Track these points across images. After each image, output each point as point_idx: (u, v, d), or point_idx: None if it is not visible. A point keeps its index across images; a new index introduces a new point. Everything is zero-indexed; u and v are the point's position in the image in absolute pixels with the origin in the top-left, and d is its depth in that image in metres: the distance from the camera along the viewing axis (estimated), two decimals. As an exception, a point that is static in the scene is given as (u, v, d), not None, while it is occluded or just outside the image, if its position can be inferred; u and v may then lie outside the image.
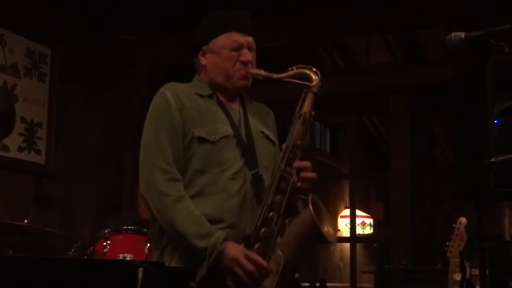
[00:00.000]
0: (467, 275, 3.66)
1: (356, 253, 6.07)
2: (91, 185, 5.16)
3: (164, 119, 2.36)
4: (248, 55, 2.44)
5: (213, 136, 2.34)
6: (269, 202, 2.25)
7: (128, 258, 3.11)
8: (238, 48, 2.44)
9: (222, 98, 2.47)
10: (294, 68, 2.38)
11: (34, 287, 1.98)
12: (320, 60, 6.80)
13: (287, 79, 2.37)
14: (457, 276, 3.28)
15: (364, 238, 10.05)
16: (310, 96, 2.33)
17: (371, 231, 10.41)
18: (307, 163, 2.32)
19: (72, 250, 3.25)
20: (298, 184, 2.28)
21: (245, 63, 2.43)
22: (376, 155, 10.18)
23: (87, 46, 5.19)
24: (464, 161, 3.70)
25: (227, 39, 2.45)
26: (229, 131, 2.38)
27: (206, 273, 2.20)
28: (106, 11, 5.31)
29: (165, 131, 2.34)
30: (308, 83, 2.34)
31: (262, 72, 2.42)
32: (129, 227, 3.46)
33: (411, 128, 5.43)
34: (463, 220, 3.39)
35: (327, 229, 2.21)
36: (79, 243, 3.29)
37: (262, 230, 2.24)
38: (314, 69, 2.36)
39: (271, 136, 2.54)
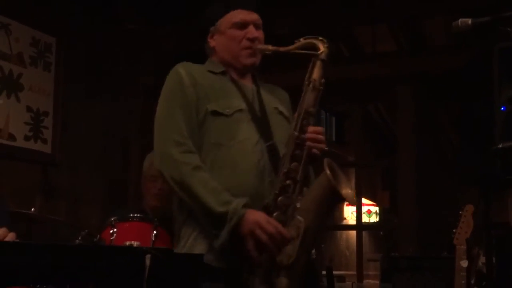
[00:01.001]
0: (480, 263, 3.67)
1: (362, 241, 6.08)
2: (97, 174, 5.17)
3: (177, 94, 2.37)
4: (254, 32, 2.44)
5: (227, 110, 2.34)
6: (285, 170, 2.25)
7: (135, 245, 3.14)
8: (244, 25, 2.45)
9: (234, 76, 2.48)
10: (301, 39, 2.38)
11: (41, 273, 1.99)
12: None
13: (295, 51, 2.36)
14: (464, 264, 3.28)
15: (370, 226, 10.06)
16: (318, 63, 2.34)
17: (377, 219, 10.42)
18: (320, 128, 2.33)
19: (79, 238, 3.26)
20: (313, 149, 2.28)
21: (251, 40, 2.43)
22: (381, 143, 10.16)
23: (92, 36, 5.19)
24: (470, 148, 3.70)
25: (232, 18, 2.45)
26: (243, 105, 2.38)
27: (227, 238, 2.18)
28: (111, 1, 5.31)
29: (179, 106, 2.35)
30: (315, 52, 2.34)
31: (269, 46, 2.42)
32: (136, 215, 3.46)
33: (417, 116, 5.42)
34: (470, 207, 3.39)
35: (345, 190, 2.21)
36: (86, 231, 3.30)
37: (280, 198, 2.23)
38: (321, 38, 2.37)
39: (286, 112, 2.53)
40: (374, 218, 10.33)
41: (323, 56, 2.33)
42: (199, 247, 2.28)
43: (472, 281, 3.43)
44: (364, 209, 9.81)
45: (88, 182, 5.08)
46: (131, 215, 3.47)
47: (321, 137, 2.31)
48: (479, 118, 3.54)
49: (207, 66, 2.51)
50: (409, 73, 5.38)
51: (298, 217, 2.19)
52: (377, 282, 4.43)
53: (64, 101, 4.88)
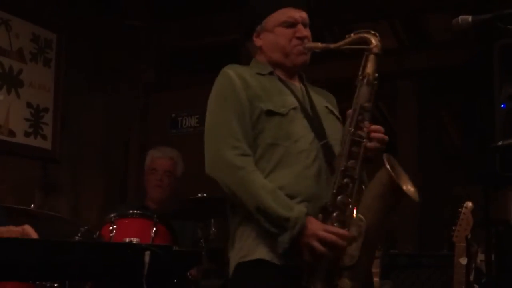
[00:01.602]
0: (478, 261, 3.66)
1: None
2: (97, 170, 5.17)
3: (229, 98, 2.32)
4: (303, 31, 2.39)
5: (282, 109, 2.29)
6: (343, 168, 2.19)
7: (134, 242, 3.14)
8: (293, 24, 2.39)
9: (282, 76, 2.43)
10: (352, 34, 2.32)
11: (41, 269, 1.99)
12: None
13: (346, 46, 2.32)
14: (463, 261, 3.27)
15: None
16: (371, 57, 2.29)
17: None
18: (378, 127, 2.26)
19: (79, 235, 3.26)
20: (370, 145, 2.22)
21: (301, 39, 2.38)
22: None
23: (93, 31, 5.18)
24: (471, 145, 3.70)
25: (281, 16, 2.39)
26: (296, 103, 2.34)
27: (288, 246, 2.14)
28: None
29: (232, 110, 2.29)
30: (368, 46, 2.29)
31: (319, 44, 2.38)
32: (135, 212, 3.46)
33: (418, 113, 5.41)
34: (469, 204, 3.38)
35: (406, 186, 2.15)
36: (86, 227, 3.31)
37: (339, 198, 2.17)
38: (373, 32, 2.32)
39: (336, 112, 2.48)
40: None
41: (376, 50, 2.29)
42: (261, 249, 2.23)
43: (471, 278, 3.43)
44: (365, 206, 9.79)
45: (88, 179, 5.08)
46: (131, 211, 3.47)
47: (378, 135, 2.24)
48: (480, 115, 3.54)
49: (254, 68, 2.45)
50: (410, 70, 5.37)
51: (359, 215, 2.14)
52: (377, 279, 4.42)
53: (64, 97, 4.88)
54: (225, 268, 4.35)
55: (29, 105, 4.62)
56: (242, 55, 5.24)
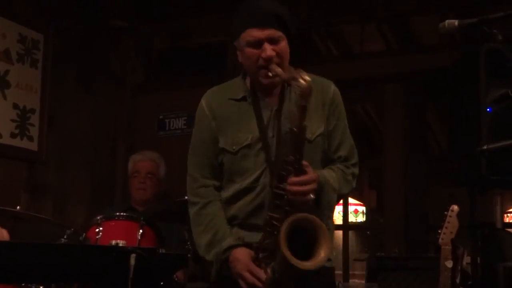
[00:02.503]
0: (464, 263, 3.67)
1: (349, 241, 6.08)
2: (84, 172, 5.15)
3: (199, 128, 2.52)
4: (267, 51, 2.32)
5: (234, 147, 2.42)
6: (267, 217, 2.30)
7: (120, 245, 3.12)
8: (258, 43, 2.34)
9: (260, 93, 2.44)
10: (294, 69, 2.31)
11: (27, 272, 1.98)
12: (314, 47, 6.78)
13: (288, 81, 2.28)
14: (449, 264, 3.29)
15: (356, 225, 10.07)
16: (299, 108, 2.20)
17: (364, 219, 10.43)
18: (302, 179, 2.24)
19: (65, 237, 3.25)
20: (294, 198, 2.25)
21: (266, 60, 2.33)
22: (369, 143, 10.17)
23: (80, 32, 5.16)
24: (458, 149, 3.72)
25: (246, 36, 2.36)
26: (250, 138, 2.39)
27: (216, 278, 2.43)
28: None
29: (200, 141, 2.51)
30: (299, 90, 2.20)
31: (279, 71, 2.30)
32: (122, 214, 3.45)
33: (405, 115, 5.42)
34: (455, 207, 3.40)
35: (318, 254, 2.19)
36: (72, 229, 3.30)
37: (266, 241, 2.31)
38: (302, 77, 2.19)
39: (308, 133, 2.33)
40: (361, 218, 10.34)
41: (303, 102, 2.18)
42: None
43: (457, 281, 3.44)
44: (351, 208, 9.80)
45: (75, 180, 5.06)
46: (117, 213, 3.47)
47: (305, 188, 2.24)
48: (466, 118, 3.55)
49: (230, 91, 2.50)
50: (397, 73, 5.38)
51: (268, 269, 2.28)
52: (363, 281, 4.43)
53: (51, 98, 4.85)
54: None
55: (15, 106, 4.60)
56: (229, 56, 5.25)
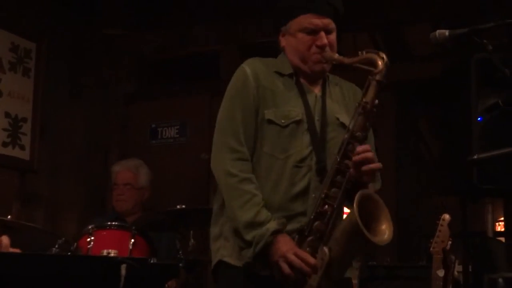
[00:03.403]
0: (456, 272, 3.68)
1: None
2: (76, 180, 5.14)
3: (241, 95, 2.35)
4: (324, 39, 2.36)
5: (283, 121, 2.31)
6: (323, 196, 2.21)
7: (112, 254, 3.12)
8: (315, 31, 2.37)
9: (302, 80, 2.42)
10: (364, 52, 2.34)
11: (17, 283, 1.97)
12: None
13: (356, 65, 2.32)
14: (440, 273, 3.29)
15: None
16: (373, 84, 2.28)
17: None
18: (367, 155, 2.21)
19: (56, 246, 3.24)
20: (355, 174, 2.22)
21: (321, 47, 2.37)
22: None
23: (73, 41, 5.16)
24: (449, 158, 3.73)
25: (303, 22, 2.37)
26: (301, 115, 2.33)
27: (251, 260, 2.20)
28: (93, 5, 5.29)
29: (240, 108, 2.33)
30: (372, 69, 2.29)
31: (335, 56, 2.37)
32: (113, 223, 3.45)
33: (397, 124, 5.44)
34: (447, 216, 3.40)
35: (378, 228, 2.16)
36: (63, 239, 3.28)
37: (316, 223, 2.20)
38: (381, 55, 2.32)
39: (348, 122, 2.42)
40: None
41: (378, 76, 2.28)
42: (234, 254, 2.31)
43: (449, 290, 3.45)
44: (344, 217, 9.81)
45: (67, 189, 5.05)
46: (109, 223, 3.46)
47: (367, 168, 2.21)
48: (457, 127, 3.57)
49: (276, 65, 2.44)
50: (389, 81, 5.38)
51: (325, 247, 2.15)
52: (355, 290, 4.43)
53: (43, 107, 4.84)
54: (203, 280, 4.34)
55: (7, 115, 4.59)
56: (222, 65, 5.26)
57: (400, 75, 5.34)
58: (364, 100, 2.27)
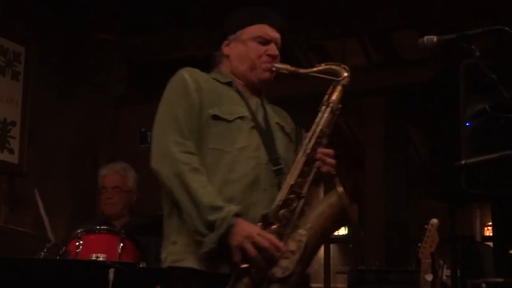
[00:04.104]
0: (444, 276, 3.70)
1: (331, 254, 6.11)
2: (65, 184, 5.12)
3: (181, 97, 2.34)
4: (275, 50, 2.43)
5: (228, 116, 2.32)
6: (292, 183, 2.23)
7: (101, 258, 3.11)
8: (268, 41, 2.43)
9: (241, 88, 2.44)
10: (323, 64, 2.39)
11: (5, 286, 1.97)
12: (296, 61, 6.81)
13: (316, 74, 2.37)
14: (429, 277, 3.31)
15: (338, 239, 10.09)
16: (339, 88, 2.35)
17: (346, 232, 10.46)
18: (330, 151, 2.31)
19: (44, 250, 3.23)
20: (323, 168, 2.28)
21: (272, 57, 2.42)
22: (351, 156, 10.21)
23: (63, 44, 5.16)
24: (438, 163, 3.75)
25: (258, 31, 2.43)
26: (246, 113, 2.36)
27: (213, 246, 2.14)
28: (82, 9, 5.28)
29: (181, 108, 2.32)
30: (335, 78, 2.35)
31: (289, 67, 2.41)
32: (102, 227, 3.44)
33: (385, 129, 5.46)
34: (435, 221, 3.42)
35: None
36: (52, 243, 3.27)
37: (281, 211, 2.20)
38: (344, 66, 2.38)
39: (287, 129, 2.52)
40: (343, 231, 10.37)
41: (344, 81, 2.35)
42: (192, 257, 2.23)
43: (438, 294, 3.46)
44: (333, 221, 9.82)
45: (56, 193, 5.03)
46: (98, 227, 3.45)
47: (331, 160, 2.30)
48: (446, 132, 3.59)
49: (213, 75, 2.47)
50: (379, 87, 5.42)
51: (300, 231, 2.17)
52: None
53: (33, 110, 4.83)
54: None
55: (-4, 118, 4.58)
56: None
57: (389, 80, 5.37)
58: (331, 99, 2.33)
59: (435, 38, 2.34)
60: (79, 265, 2.06)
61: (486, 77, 2.25)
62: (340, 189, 2.20)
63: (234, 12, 2.54)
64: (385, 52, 6.20)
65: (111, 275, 1.82)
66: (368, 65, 6.16)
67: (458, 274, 3.81)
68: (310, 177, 2.26)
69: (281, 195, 2.22)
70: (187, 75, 2.38)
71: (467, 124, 3.35)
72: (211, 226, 2.14)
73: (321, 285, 6.10)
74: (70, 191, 5.16)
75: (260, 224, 2.19)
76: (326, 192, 2.32)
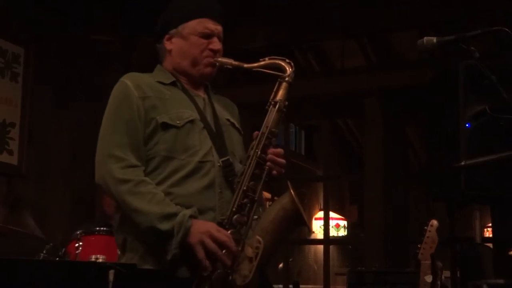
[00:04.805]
0: (443, 278, 3.70)
1: (330, 255, 6.09)
2: (64, 185, 5.12)
3: (123, 107, 2.31)
4: (217, 44, 2.41)
5: (178, 122, 2.28)
6: (244, 188, 2.22)
7: (100, 260, 3.12)
8: (209, 35, 2.40)
9: (186, 86, 2.43)
10: (266, 58, 2.36)
11: (4, 288, 1.96)
12: (295, 62, 6.81)
13: (259, 69, 2.35)
14: (428, 278, 3.30)
15: (338, 240, 10.09)
16: (284, 85, 2.33)
17: (345, 233, 10.46)
18: (280, 150, 2.31)
19: (44, 252, 3.23)
20: (273, 171, 2.27)
21: (214, 51, 2.40)
22: (350, 157, 10.22)
23: (61, 46, 5.15)
24: (437, 164, 3.75)
25: (198, 25, 2.40)
26: (194, 115, 2.34)
27: (176, 252, 2.13)
28: (82, 11, 5.28)
29: (123, 120, 2.29)
30: (281, 74, 2.34)
31: (232, 61, 2.39)
32: (102, 228, 3.44)
33: (385, 131, 5.46)
34: (434, 222, 3.41)
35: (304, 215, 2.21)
36: (51, 244, 3.28)
37: (236, 216, 2.20)
38: (288, 60, 2.36)
39: (237, 124, 2.51)
40: (342, 232, 10.37)
41: (289, 79, 2.33)
42: (151, 261, 2.22)
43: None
44: (332, 223, 9.83)
45: (55, 195, 5.03)
46: (97, 228, 3.45)
47: (281, 160, 2.30)
48: (446, 133, 3.59)
49: (156, 76, 2.44)
50: (378, 88, 5.42)
51: (257, 237, 2.17)
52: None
53: (32, 112, 4.83)
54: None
55: (-5, 120, 4.58)
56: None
57: (388, 82, 5.37)
58: (277, 98, 2.32)
59: (434, 39, 2.35)
60: (78, 266, 2.06)
61: (485, 78, 2.25)
62: (292, 190, 2.19)
63: (174, 2, 2.50)
64: (384, 53, 6.21)
65: (111, 277, 1.81)
66: (367, 66, 6.16)
67: (458, 275, 3.81)
68: (262, 180, 2.25)
69: (235, 201, 2.22)
70: (130, 82, 2.35)
71: (467, 125, 3.35)
72: (168, 234, 2.14)
73: (321, 286, 6.09)
74: (69, 192, 5.15)
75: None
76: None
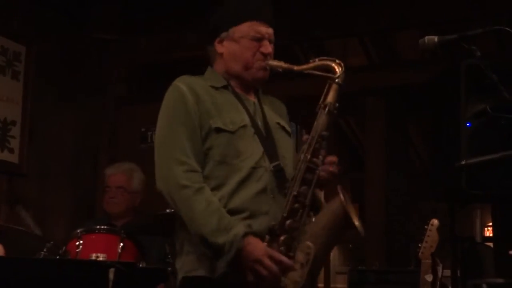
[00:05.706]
0: (441, 276, 3.70)
1: (331, 254, 6.10)
2: (65, 184, 5.12)
3: (180, 112, 2.30)
4: (269, 47, 2.39)
5: (231, 126, 2.29)
6: (295, 193, 2.20)
7: (100, 258, 3.12)
8: (260, 39, 2.38)
9: (237, 89, 2.42)
10: (316, 60, 2.35)
11: (4, 286, 1.96)
12: (296, 61, 6.81)
13: (310, 71, 2.33)
14: (429, 277, 3.31)
15: (338, 239, 10.08)
16: (334, 87, 2.30)
17: (346, 232, 10.45)
18: (334, 157, 2.30)
19: (44, 250, 3.23)
20: (324, 175, 2.26)
21: (265, 55, 2.38)
22: (352, 156, 10.22)
23: (63, 44, 5.15)
24: (438, 163, 3.75)
25: (249, 29, 2.38)
26: (246, 120, 2.33)
27: (226, 268, 2.15)
28: (83, 9, 5.28)
29: (181, 124, 2.28)
30: (332, 75, 2.30)
31: (282, 64, 2.37)
32: (102, 227, 3.44)
33: (386, 129, 5.46)
34: (435, 221, 3.42)
35: (356, 218, 2.20)
36: (51, 242, 3.28)
37: (288, 222, 2.18)
38: (338, 61, 2.33)
39: (287, 127, 2.50)
40: (343, 231, 10.37)
41: (339, 80, 2.30)
42: (203, 267, 2.24)
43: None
44: (334, 221, 9.82)
45: (56, 193, 5.03)
46: (98, 227, 3.45)
47: (333, 170, 2.28)
48: (447, 132, 3.59)
49: (208, 80, 2.43)
50: (379, 87, 5.42)
51: (308, 242, 2.16)
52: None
53: (33, 110, 4.83)
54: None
55: (-4, 118, 4.58)
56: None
57: (389, 81, 5.37)
58: (327, 101, 2.29)
59: (436, 38, 2.34)
60: (79, 265, 2.06)
61: (486, 77, 2.25)
62: (341, 196, 2.17)
63: (224, 4, 2.48)
64: (385, 52, 6.21)
65: (111, 275, 1.82)
66: (368, 65, 6.16)
67: (458, 274, 3.81)
68: (313, 186, 2.23)
69: (286, 206, 2.21)
70: (184, 86, 2.35)
71: (468, 124, 3.34)
72: (220, 248, 2.15)
73: (321, 285, 6.10)
74: (70, 191, 5.15)
75: (267, 237, 2.18)
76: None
